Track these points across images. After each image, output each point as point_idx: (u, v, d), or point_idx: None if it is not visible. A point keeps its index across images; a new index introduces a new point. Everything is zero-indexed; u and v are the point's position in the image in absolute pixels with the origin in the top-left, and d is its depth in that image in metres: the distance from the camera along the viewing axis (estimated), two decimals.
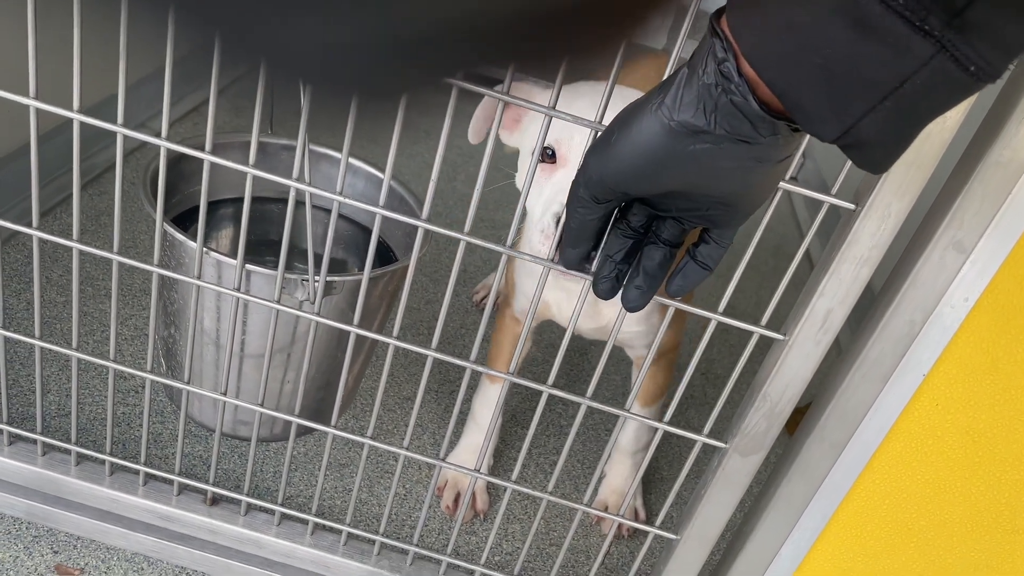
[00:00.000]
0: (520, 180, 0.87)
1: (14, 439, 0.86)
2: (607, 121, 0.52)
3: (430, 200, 0.66)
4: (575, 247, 0.56)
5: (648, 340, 0.95)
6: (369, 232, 1.00)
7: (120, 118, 0.65)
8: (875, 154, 0.42)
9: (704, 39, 0.44)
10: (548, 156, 0.80)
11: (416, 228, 0.89)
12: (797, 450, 0.72)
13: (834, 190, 0.60)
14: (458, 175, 1.86)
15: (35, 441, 0.85)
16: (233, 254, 0.74)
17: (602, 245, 0.57)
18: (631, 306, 0.57)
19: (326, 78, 0.24)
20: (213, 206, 0.87)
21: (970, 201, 0.57)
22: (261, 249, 0.95)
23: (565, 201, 0.54)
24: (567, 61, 0.43)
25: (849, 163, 0.58)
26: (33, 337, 0.77)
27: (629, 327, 0.93)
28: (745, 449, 0.72)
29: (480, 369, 0.73)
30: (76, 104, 0.65)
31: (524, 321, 0.73)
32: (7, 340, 0.78)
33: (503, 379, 0.74)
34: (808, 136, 0.50)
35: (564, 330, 0.73)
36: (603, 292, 0.58)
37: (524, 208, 0.65)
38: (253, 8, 0.22)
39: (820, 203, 0.61)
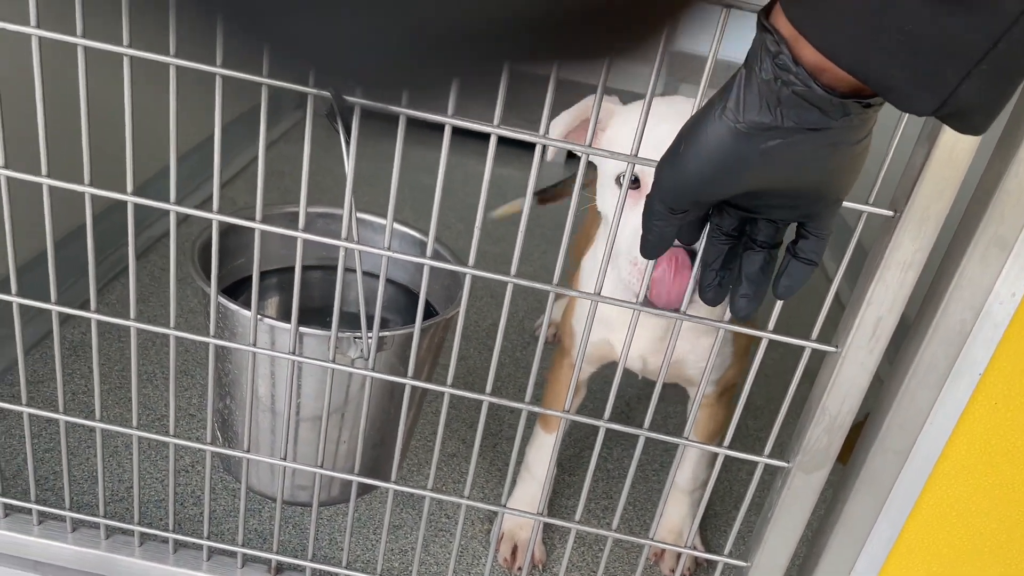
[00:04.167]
0: (602, 203, 0.84)
1: (77, 524, 0.87)
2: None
3: (476, 247, 0.68)
4: (654, 258, 0.57)
5: (718, 375, 0.95)
6: (407, 291, 1.02)
7: (172, 196, 0.68)
8: (975, 118, 0.41)
9: (755, 39, 0.44)
10: (632, 183, 0.77)
11: (459, 278, 0.91)
12: (860, 463, 0.72)
13: (871, 198, 0.61)
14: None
15: (97, 525, 0.86)
16: (281, 322, 0.76)
17: (700, 254, 0.58)
18: (741, 315, 0.58)
19: (369, 75, 0.25)
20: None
21: (1007, 195, 0.59)
22: (305, 317, 0.97)
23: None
24: (606, 60, 0.44)
25: (884, 171, 0.60)
26: (94, 419, 0.78)
27: (700, 363, 0.89)
28: (808, 466, 0.72)
29: (536, 410, 0.74)
30: (130, 187, 0.68)
31: (583, 368, 0.72)
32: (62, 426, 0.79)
33: (558, 426, 0.74)
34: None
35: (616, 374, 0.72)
36: (710, 301, 0.59)
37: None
38: (294, 9, 0.23)
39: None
